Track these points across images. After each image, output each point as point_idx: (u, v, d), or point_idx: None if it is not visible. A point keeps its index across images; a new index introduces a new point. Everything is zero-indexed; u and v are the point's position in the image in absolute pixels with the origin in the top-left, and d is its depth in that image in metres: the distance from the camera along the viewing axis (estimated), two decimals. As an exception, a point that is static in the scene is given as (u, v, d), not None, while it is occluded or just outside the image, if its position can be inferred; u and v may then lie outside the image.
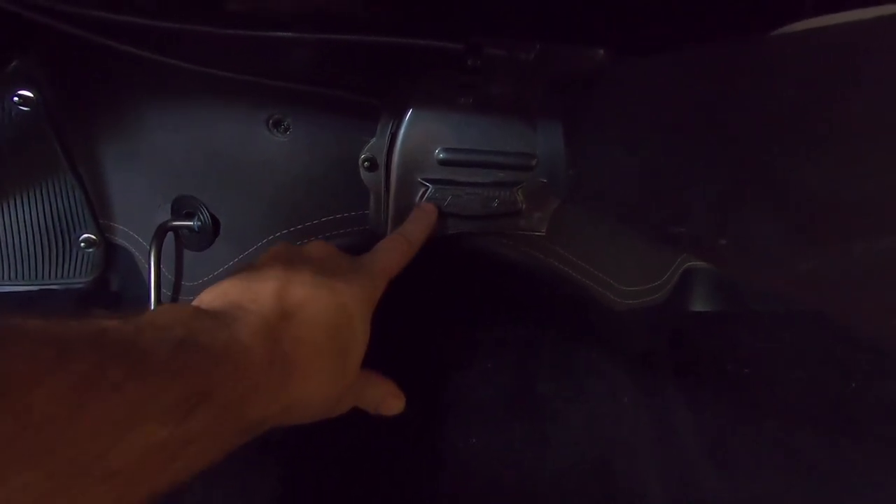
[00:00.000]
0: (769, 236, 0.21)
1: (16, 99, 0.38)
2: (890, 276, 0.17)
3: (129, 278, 0.45)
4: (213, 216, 0.42)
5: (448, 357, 0.50)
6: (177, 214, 0.42)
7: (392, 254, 0.35)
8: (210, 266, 0.44)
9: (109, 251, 0.45)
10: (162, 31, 0.34)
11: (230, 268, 0.43)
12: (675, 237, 0.27)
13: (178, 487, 0.21)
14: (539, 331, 0.52)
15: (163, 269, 0.43)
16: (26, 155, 0.40)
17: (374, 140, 0.40)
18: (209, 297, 0.27)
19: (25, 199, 0.42)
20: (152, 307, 0.42)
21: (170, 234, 0.43)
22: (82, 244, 0.44)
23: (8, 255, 0.43)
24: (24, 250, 0.43)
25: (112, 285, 0.46)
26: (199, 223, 0.42)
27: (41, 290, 0.44)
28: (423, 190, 0.40)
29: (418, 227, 0.38)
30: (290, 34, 0.35)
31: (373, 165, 0.40)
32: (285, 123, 0.39)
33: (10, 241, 0.42)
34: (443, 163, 0.39)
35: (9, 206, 0.42)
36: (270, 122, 0.39)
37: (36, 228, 0.43)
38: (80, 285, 0.45)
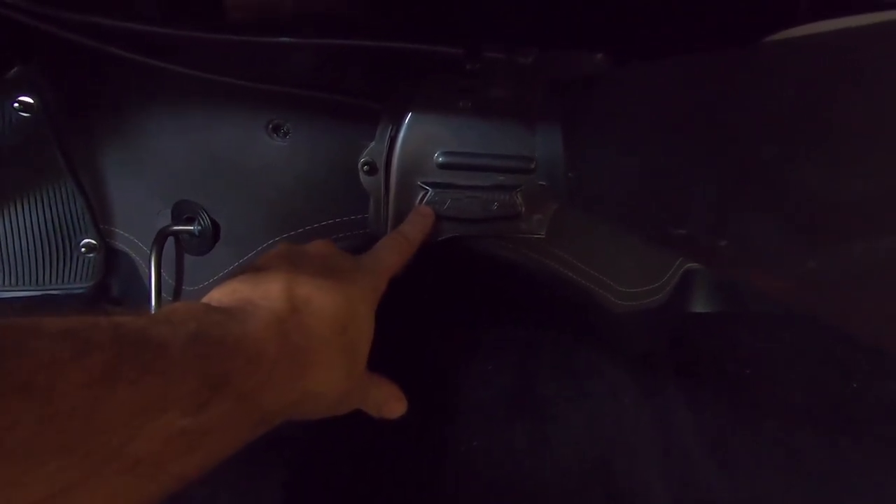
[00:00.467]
0: (769, 237, 0.22)
1: (16, 105, 0.38)
2: (890, 277, 0.17)
3: (130, 283, 0.45)
4: (213, 221, 0.42)
5: (449, 359, 0.50)
6: (177, 219, 0.42)
7: (392, 253, 0.36)
8: (210, 270, 0.44)
9: (110, 256, 0.45)
10: (162, 37, 0.34)
11: (230, 272, 0.43)
12: (674, 239, 0.28)
13: (189, 483, 0.21)
14: (539, 332, 0.52)
15: (163, 274, 0.43)
16: (27, 161, 0.41)
17: (373, 144, 0.40)
18: (218, 295, 0.27)
19: (26, 205, 0.42)
20: (153, 312, 0.42)
21: (170, 239, 0.43)
22: (83, 249, 0.44)
23: (9, 260, 0.43)
24: (25, 256, 0.43)
25: (113, 290, 0.46)
26: (200, 228, 0.42)
27: (42, 295, 0.44)
28: (422, 193, 0.40)
29: (416, 227, 0.39)
30: (289, 39, 0.36)
31: (372, 169, 0.40)
32: (285, 128, 0.39)
33: (10, 246, 0.42)
34: (442, 166, 0.39)
35: (9, 212, 0.42)
36: (270, 126, 0.39)
37: (36, 234, 0.43)
38: (80, 290, 0.45)
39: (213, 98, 0.39)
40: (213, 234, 0.42)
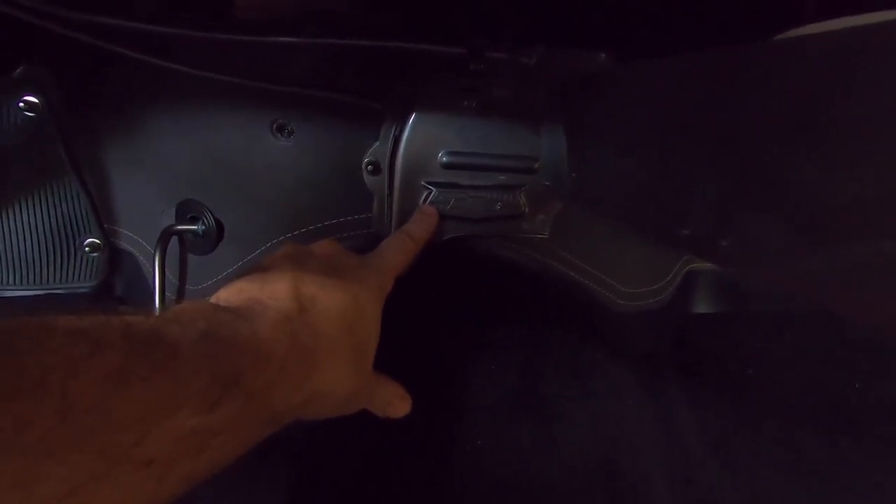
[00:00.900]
0: (770, 237, 0.22)
1: (21, 105, 0.38)
2: (890, 277, 0.17)
3: (134, 283, 0.45)
4: (217, 220, 0.42)
5: (453, 358, 0.50)
6: (181, 219, 0.43)
7: (397, 252, 0.36)
8: (214, 270, 0.44)
9: (114, 256, 0.45)
10: (167, 36, 0.35)
11: (234, 271, 0.43)
12: (677, 238, 0.28)
13: (200, 483, 0.21)
14: (543, 332, 0.52)
15: (167, 274, 0.43)
16: (32, 160, 0.41)
17: (377, 144, 0.40)
18: (226, 295, 0.27)
19: (30, 204, 0.42)
20: (157, 311, 0.42)
21: (174, 239, 0.43)
22: (87, 249, 0.44)
23: (13, 259, 0.43)
24: (29, 255, 0.43)
25: (116, 290, 0.46)
26: (203, 227, 0.42)
27: (46, 294, 0.44)
28: (426, 193, 0.40)
29: (421, 227, 0.39)
30: (294, 39, 0.36)
31: (376, 169, 0.41)
32: (289, 128, 0.40)
33: (15, 245, 0.42)
34: (446, 166, 0.39)
35: (14, 211, 0.42)
36: (274, 126, 0.39)
37: (41, 233, 0.43)
38: (84, 290, 0.45)
39: (218, 98, 0.39)
40: (216, 234, 0.42)
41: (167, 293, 0.43)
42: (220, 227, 0.42)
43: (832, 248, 0.19)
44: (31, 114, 0.39)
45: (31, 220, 0.42)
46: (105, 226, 0.44)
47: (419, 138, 0.39)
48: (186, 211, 0.42)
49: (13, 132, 0.39)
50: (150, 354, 0.19)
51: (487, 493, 0.43)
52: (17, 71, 0.38)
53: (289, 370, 0.25)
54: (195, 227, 0.42)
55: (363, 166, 0.41)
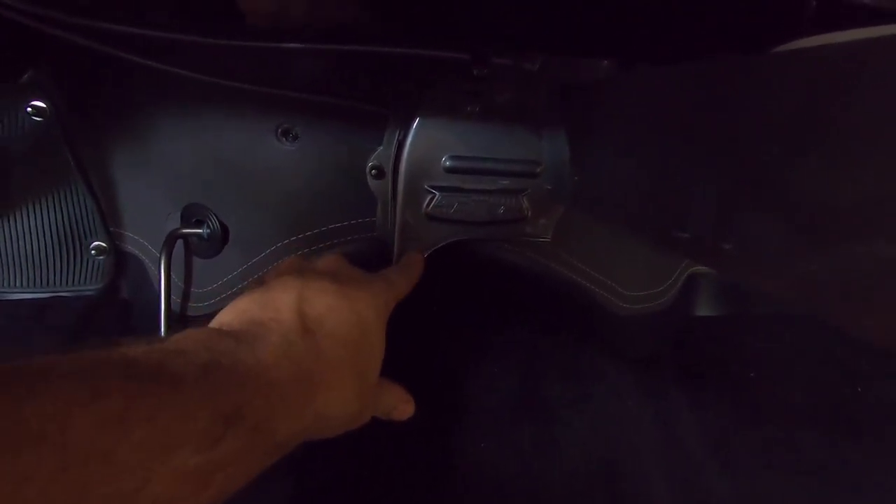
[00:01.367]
0: (772, 241, 0.22)
1: (29, 109, 0.39)
2: (891, 280, 0.18)
3: (140, 285, 0.45)
4: (222, 224, 0.43)
5: (455, 361, 0.50)
6: (186, 222, 0.43)
7: (402, 276, 0.36)
8: (219, 273, 0.44)
9: (120, 259, 0.45)
10: (174, 42, 0.35)
11: (238, 274, 0.44)
12: (679, 242, 0.28)
13: None
14: (545, 335, 0.52)
15: (172, 277, 0.43)
16: (39, 164, 0.41)
17: (381, 148, 0.40)
18: (228, 318, 0.27)
19: (37, 208, 0.42)
20: (162, 314, 0.42)
21: (179, 242, 0.43)
22: (93, 252, 0.44)
23: (20, 262, 0.43)
24: (36, 258, 0.43)
25: (122, 292, 0.47)
26: (209, 231, 0.42)
27: (52, 297, 0.44)
28: (429, 197, 0.40)
29: (412, 269, 0.38)
30: (299, 45, 0.36)
31: (380, 173, 0.41)
32: (294, 132, 0.40)
33: (22, 248, 0.43)
34: (449, 170, 0.40)
35: (21, 215, 0.42)
36: (279, 131, 0.40)
37: (47, 236, 0.43)
38: (90, 292, 0.45)
39: (223, 102, 0.39)
40: (221, 237, 0.43)
41: (173, 296, 0.44)
42: (224, 230, 0.43)
43: (834, 252, 0.19)
44: (38, 118, 0.39)
45: (38, 223, 0.43)
46: (111, 229, 0.44)
47: (423, 143, 0.39)
48: (191, 214, 0.43)
49: (21, 137, 0.40)
50: (151, 393, 0.18)
51: (489, 494, 0.43)
52: (25, 76, 0.38)
53: (291, 397, 0.24)
54: (200, 231, 0.42)
55: (367, 170, 0.41)
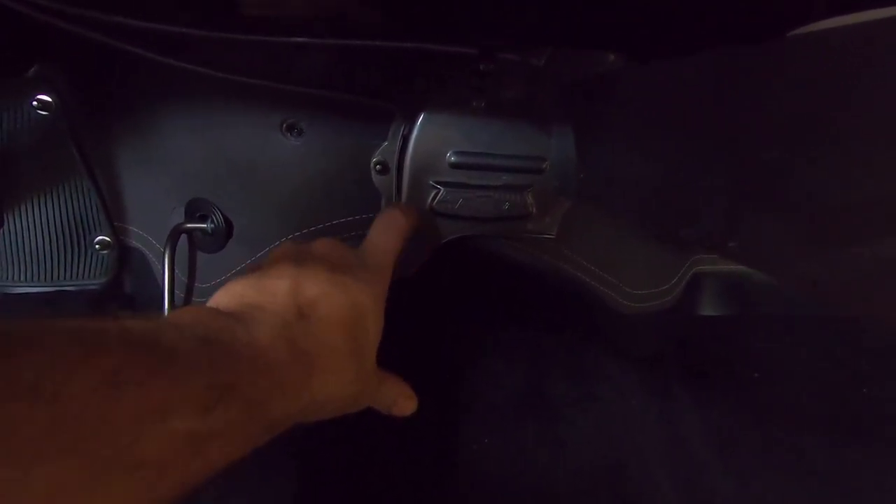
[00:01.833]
0: (778, 239, 0.22)
1: (35, 103, 0.39)
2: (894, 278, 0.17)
3: (143, 280, 0.45)
4: (226, 219, 0.42)
5: (459, 358, 0.50)
6: (190, 217, 0.43)
7: (390, 237, 0.35)
8: (223, 268, 0.44)
9: (124, 253, 0.45)
10: (178, 36, 0.35)
11: (242, 269, 0.44)
12: (685, 238, 0.28)
13: (201, 484, 0.21)
14: (549, 333, 0.52)
15: (176, 271, 0.43)
16: (44, 158, 0.41)
17: (386, 144, 0.40)
18: (225, 300, 0.27)
19: (42, 202, 0.42)
20: (166, 308, 0.42)
21: (183, 237, 0.43)
22: (97, 246, 0.44)
23: (24, 256, 0.43)
24: (40, 252, 0.43)
25: (126, 287, 0.47)
26: (213, 225, 0.42)
27: (56, 291, 0.44)
28: (434, 193, 0.40)
29: (406, 208, 0.38)
30: (304, 39, 0.36)
31: (385, 169, 0.41)
32: (299, 127, 0.40)
33: (26, 242, 0.43)
34: (454, 166, 0.39)
35: (26, 209, 0.42)
36: (284, 126, 0.40)
37: (52, 230, 0.43)
38: (94, 287, 0.45)
39: (228, 97, 0.39)
40: (226, 232, 0.43)
41: (176, 291, 0.43)
42: (229, 225, 0.43)
43: (839, 250, 0.19)
44: (44, 113, 0.39)
45: (43, 217, 0.43)
46: (115, 223, 0.44)
47: (428, 138, 0.39)
48: (196, 209, 0.43)
49: (26, 131, 0.39)
50: (145, 359, 0.19)
51: (493, 492, 0.43)
52: (31, 70, 0.38)
53: (287, 379, 0.24)
54: (204, 226, 0.42)
55: (372, 166, 0.41)
